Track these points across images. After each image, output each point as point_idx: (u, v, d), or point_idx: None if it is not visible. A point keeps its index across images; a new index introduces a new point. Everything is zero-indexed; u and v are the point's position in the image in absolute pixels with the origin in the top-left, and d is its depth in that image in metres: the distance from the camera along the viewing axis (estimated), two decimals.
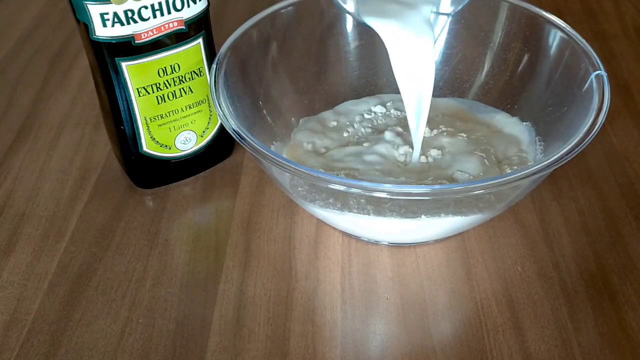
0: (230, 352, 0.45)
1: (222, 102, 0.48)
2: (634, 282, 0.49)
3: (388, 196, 0.42)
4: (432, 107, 0.61)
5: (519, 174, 0.42)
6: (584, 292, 0.48)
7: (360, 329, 0.47)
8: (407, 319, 0.47)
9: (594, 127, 0.45)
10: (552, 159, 0.43)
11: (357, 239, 0.52)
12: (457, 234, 0.52)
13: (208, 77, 0.53)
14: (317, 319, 0.47)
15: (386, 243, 0.52)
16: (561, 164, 0.43)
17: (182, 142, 0.56)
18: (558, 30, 0.55)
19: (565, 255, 0.51)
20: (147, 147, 0.54)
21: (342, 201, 0.47)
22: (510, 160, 0.54)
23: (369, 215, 0.47)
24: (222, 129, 0.57)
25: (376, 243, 0.52)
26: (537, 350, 0.45)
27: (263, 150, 0.44)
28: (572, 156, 0.43)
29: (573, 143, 0.44)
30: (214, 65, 0.51)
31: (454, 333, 0.46)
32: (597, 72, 0.49)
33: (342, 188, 0.42)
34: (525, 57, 0.59)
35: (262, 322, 0.47)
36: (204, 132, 0.57)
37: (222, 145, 0.59)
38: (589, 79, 0.50)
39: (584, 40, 0.53)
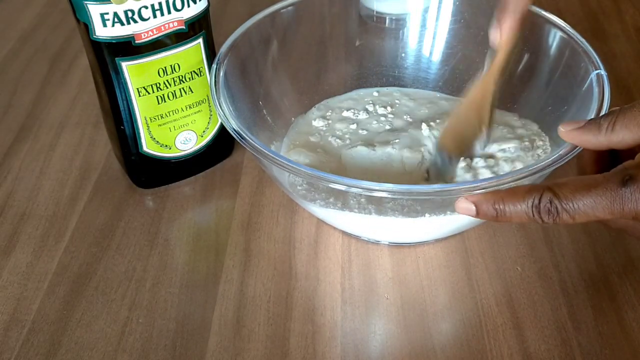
0: (230, 352, 0.45)
1: (222, 102, 0.48)
2: (633, 282, 0.49)
3: (389, 195, 0.42)
4: (433, 109, 0.61)
5: (518, 174, 0.42)
6: (584, 292, 0.48)
7: (360, 329, 0.47)
8: (407, 319, 0.47)
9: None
10: (552, 158, 0.43)
11: (357, 238, 0.52)
12: (457, 234, 0.52)
13: (208, 77, 0.53)
14: (317, 319, 0.47)
15: (386, 243, 0.52)
16: (561, 164, 0.43)
17: (182, 142, 0.56)
18: (558, 30, 0.55)
19: (565, 255, 0.51)
20: (147, 147, 0.54)
21: (342, 200, 0.47)
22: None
23: (370, 214, 0.47)
24: (222, 128, 0.57)
25: (376, 243, 0.52)
26: (537, 350, 0.45)
27: (263, 150, 0.44)
28: (572, 156, 0.43)
29: None
30: (214, 65, 0.51)
31: (454, 333, 0.46)
32: (597, 71, 0.49)
33: (342, 188, 0.42)
34: (525, 57, 0.59)
35: (262, 322, 0.47)
36: (204, 132, 0.57)
37: (222, 145, 0.59)
38: (589, 78, 0.50)
39: (583, 40, 0.53)
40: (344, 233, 0.53)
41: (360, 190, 0.42)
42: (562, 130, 0.41)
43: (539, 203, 0.37)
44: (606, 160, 0.41)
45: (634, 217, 0.35)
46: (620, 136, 0.38)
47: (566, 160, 0.43)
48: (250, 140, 0.45)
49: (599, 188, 0.35)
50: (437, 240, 0.52)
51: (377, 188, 0.41)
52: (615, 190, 0.35)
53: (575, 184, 0.36)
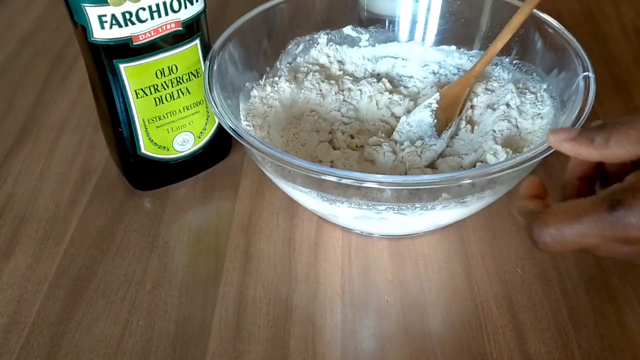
0: (230, 355, 0.45)
1: (215, 97, 0.49)
2: (634, 284, 0.49)
3: (379, 186, 0.43)
4: None
5: (506, 164, 0.43)
6: (584, 294, 0.48)
7: (360, 332, 0.46)
8: (407, 321, 0.47)
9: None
10: (537, 150, 0.43)
11: (357, 241, 0.52)
12: (457, 236, 0.52)
13: None
14: (317, 322, 0.47)
15: (378, 235, 0.52)
16: (536, 160, 0.43)
17: (180, 143, 0.56)
18: (551, 31, 0.55)
19: (566, 257, 0.51)
20: (145, 148, 0.54)
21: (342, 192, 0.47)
22: None
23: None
24: (219, 129, 0.57)
25: (369, 235, 0.52)
26: (537, 353, 0.45)
27: (260, 145, 0.45)
28: (545, 155, 0.43)
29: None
30: (207, 62, 0.52)
31: (454, 335, 0.46)
32: (585, 73, 0.49)
33: (334, 179, 0.42)
34: (518, 56, 0.59)
35: (262, 324, 0.47)
36: (201, 133, 0.57)
37: (219, 146, 0.59)
38: (577, 80, 0.50)
39: (575, 41, 0.53)
40: (344, 235, 0.53)
41: (352, 181, 0.42)
42: (552, 139, 0.40)
43: (532, 234, 0.37)
44: (593, 173, 0.41)
45: (625, 241, 0.35)
46: (613, 152, 0.37)
47: (540, 158, 0.43)
48: (247, 136, 0.45)
49: (589, 216, 0.35)
50: (437, 243, 0.52)
51: (367, 179, 0.42)
52: (604, 217, 0.34)
53: (564, 213, 0.36)
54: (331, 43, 0.63)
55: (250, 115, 0.55)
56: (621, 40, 0.74)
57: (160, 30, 0.49)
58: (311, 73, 0.61)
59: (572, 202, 0.36)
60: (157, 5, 0.48)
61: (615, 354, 0.44)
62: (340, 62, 0.63)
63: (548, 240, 0.36)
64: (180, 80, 0.53)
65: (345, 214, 0.48)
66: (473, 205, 0.48)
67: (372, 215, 0.47)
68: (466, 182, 0.43)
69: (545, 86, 0.56)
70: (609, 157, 0.38)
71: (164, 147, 0.55)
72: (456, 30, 0.63)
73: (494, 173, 0.42)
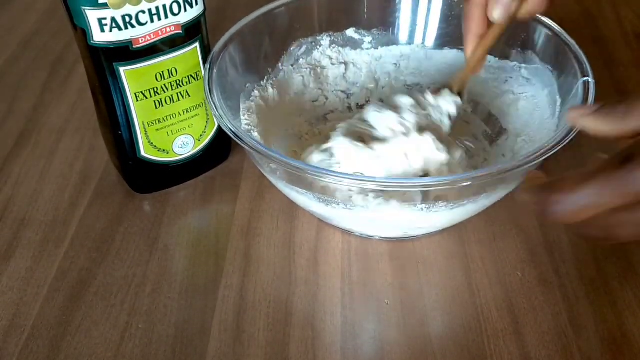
0: (230, 358, 0.45)
1: (216, 101, 0.49)
2: (634, 288, 0.48)
3: (379, 188, 0.43)
4: None
5: (506, 167, 0.43)
6: (585, 298, 0.48)
7: (361, 335, 0.46)
8: (407, 325, 0.47)
9: (570, 133, 0.45)
10: (518, 162, 0.43)
11: (357, 244, 0.52)
12: (457, 238, 0.52)
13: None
14: (317, 325, 0.47)
15: (378, 237, 0.52)
16: (536, 163, 0.43)
17: (180, 146, 0.56)
18: (552, 35, 0.55)
19: (566, 261, 0.51)
20: (145, 151, 0.54)
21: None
22: None
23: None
24: (218, 132, 0.57)
25: (369, 238, 0.52)
26: (537, 356, 0.45)
27: (261, 149, 0.45)
28: (545, 158, 0.43)
29: (549, 145, 0.44)
30: (207, 65, 0.51)
31: (455, 338, 0.46)
32: (585, 78, 0.49)
33: (334, 181, 0.43)
34: (519, 61, 0.59)
35: (262, 327, 0.47)
36: (201, 135, 0.56)
37: (219, 149, 0.59)
38: (577, 85, 0.50)
39: (575, 45, 0.53)
40: (344, 238, 0.53)
41: (352, 183, 0.43)
42: (572, 115, 0.39)
43: (544, 203, 0.35)
44: None
45: (637, 198, 0.33)
46: (633, 126, 0.36)
47: (538, 161, 0.43)
48: (248, 139, 0.45)
49: (601, 173, 0.33)
50: (437, 245, 0.52)
51: (368, 180, 0.43)
52: (616, 172, 0.33)
53: (577, 176, 0.34)
54: (334, 45, 0.63)
55: (251, 115, 0.56)
56: (621, 44, 0.74)
57: (160, 33, 0.49)
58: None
59: (585, 168, 0.35)
60: (157, 8, 0.48)
61: (616, 357, 0.44)
62: (343, 63, 0.64)
63: (560, 208, 0.34)
64: (180, 83, 0.53)
65: (341, 214, 0.48)
66: (471, 208, 0.48)
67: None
68: (464, 184, 0.43)
69: (547, 92, 0.56)
70: (629, 132, 0.36)
71: (164, 150, 0.55)
72: (459, 33, 0.63)
73: (492, 176, 0.42)
